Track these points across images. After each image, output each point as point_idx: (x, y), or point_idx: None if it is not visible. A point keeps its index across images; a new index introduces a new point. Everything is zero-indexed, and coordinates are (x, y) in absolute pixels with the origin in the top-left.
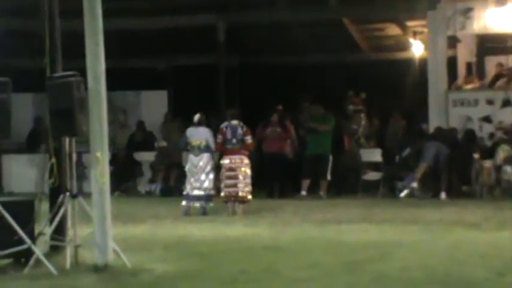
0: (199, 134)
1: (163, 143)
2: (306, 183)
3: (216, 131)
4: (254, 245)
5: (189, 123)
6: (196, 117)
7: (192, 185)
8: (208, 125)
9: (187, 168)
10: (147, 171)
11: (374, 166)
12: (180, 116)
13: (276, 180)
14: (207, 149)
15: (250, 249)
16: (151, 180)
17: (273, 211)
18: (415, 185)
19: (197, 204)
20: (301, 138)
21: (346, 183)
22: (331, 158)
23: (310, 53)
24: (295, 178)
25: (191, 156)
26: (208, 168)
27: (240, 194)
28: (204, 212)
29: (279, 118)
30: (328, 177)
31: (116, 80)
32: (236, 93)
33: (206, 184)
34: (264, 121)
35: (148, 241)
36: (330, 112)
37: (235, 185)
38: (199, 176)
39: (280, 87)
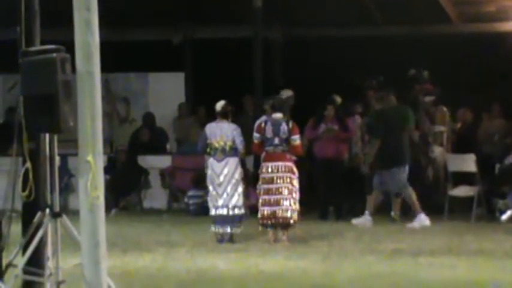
0: (223, 131)
1: None
2: (372, 200)
3: (248, 128)
4: (299, 284)
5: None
6: (219, 106)
7: (215, 202)
8: (238, 120)
9: (207, 176)
10: (156, 181)
11: (466, 178)
12: (201, 107)
13: (331, 196)
14: (234, 151)
15: None
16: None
17: (327, 238)
18: None
19: (221, 229)
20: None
21: (427, 202)
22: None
23: (379, 24)
24: (358, 194)
25: (212, 162)
26: (236, 177)
27: (284, 214)
28: (230, 239)
29: (336, 111)
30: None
31: (114, 58)
32: (278, 77)
33: (234, 200)
34: (315, 116)
35: (157, 277)
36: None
37: (277, 203)
38: (225, 189)
39: (337, 68)
